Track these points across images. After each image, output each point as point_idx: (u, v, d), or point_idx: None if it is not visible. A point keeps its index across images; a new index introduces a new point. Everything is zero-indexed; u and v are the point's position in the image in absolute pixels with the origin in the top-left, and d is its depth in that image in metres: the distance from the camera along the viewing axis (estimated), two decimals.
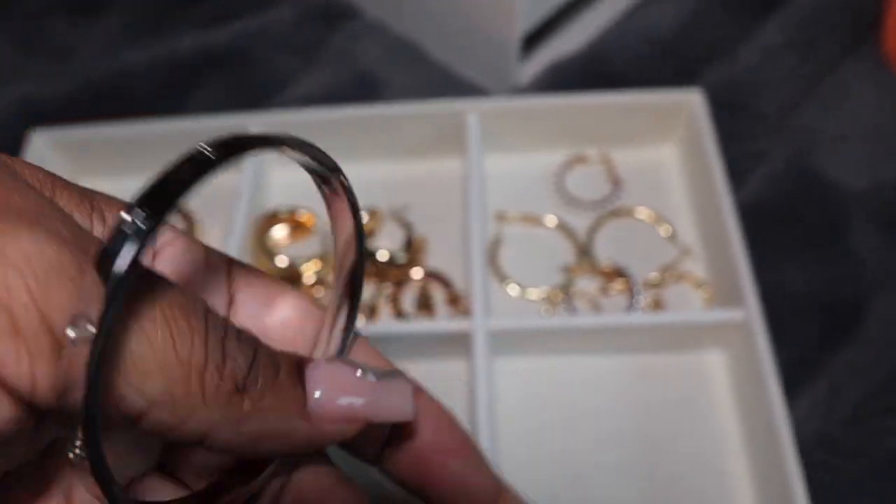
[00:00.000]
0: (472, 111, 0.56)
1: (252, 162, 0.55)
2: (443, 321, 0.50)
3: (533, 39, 0.64)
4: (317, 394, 0.20)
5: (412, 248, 0.55)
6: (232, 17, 0.71)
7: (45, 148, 0.58)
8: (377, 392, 0.21)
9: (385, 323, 0.51)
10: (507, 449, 0.47)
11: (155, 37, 0.70)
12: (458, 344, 0.49)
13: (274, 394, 0.19)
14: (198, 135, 0.58)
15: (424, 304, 0.53)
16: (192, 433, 0.18)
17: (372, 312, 0.53)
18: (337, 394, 0.20)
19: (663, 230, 0.56)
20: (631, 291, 0.53)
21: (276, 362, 0.20)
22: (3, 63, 0.71)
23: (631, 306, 0.52)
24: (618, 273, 0.53)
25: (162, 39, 0.69)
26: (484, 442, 0.43)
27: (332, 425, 0.20)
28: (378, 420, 0.21)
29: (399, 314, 0.53)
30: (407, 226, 0.56)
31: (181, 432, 0.18)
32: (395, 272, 0.54)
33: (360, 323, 0.52)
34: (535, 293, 0.53)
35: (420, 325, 0.48)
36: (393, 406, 0.21)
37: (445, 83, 0.66)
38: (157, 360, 0.17)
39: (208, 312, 0.18)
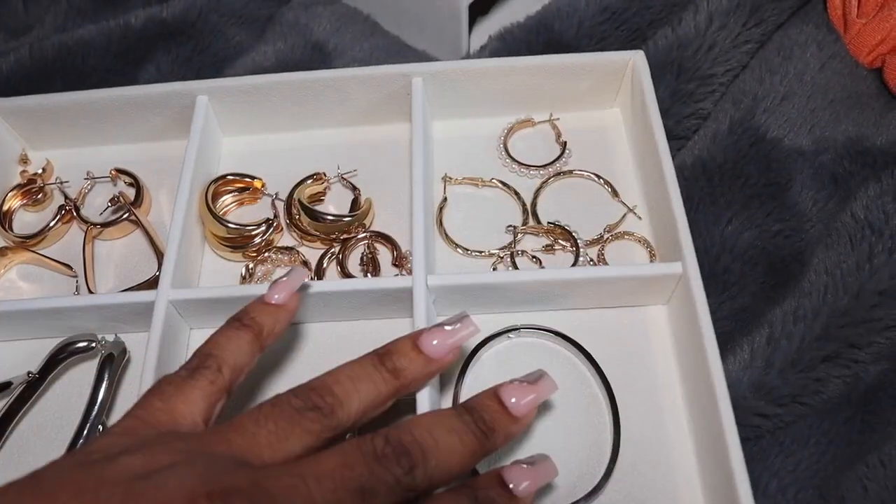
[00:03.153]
0: (417, 75, 0.56)
1: (198, 128, 0.56)
2: (387, 279, 0.50)
3: (481, 8, 0.65)
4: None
5: (358, 210, 0.55)
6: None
7: None
8: None
9: (331, 281, 0.51)
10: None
11: (107, 11, 0.70)
12: (401, 301, 0.49)
13: None
14: (147, 103, 0.59)
15: (370, 264, 0.53)
16: None
17: (319, 271, 0.53)
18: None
19: (607, 191, 0.56)
20: (575, 249, 0.53)
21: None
22: None
23: (575, 263, 0.53)
24: (562, 232, 0.54)
25: (114, 14, 0.70)
26: (426, 403, 0.44)
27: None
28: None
29: (345, 273, 0.53)
30: (354, 189, 0.57)
31: None
32: (341, 233, 0.54)
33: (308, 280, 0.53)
34: (480, 253, 0.54)
35: (364, 283, 0.49)
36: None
37: (397, 54, 0.67)
38: None
39: None
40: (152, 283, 0.53)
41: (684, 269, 0.48)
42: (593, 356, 0.49)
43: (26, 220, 0.59)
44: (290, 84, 0.57)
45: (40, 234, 0.56)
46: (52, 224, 0.57)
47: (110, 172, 0.59)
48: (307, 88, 0.57)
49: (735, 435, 0.42)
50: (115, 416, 0.50)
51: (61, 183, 0.60)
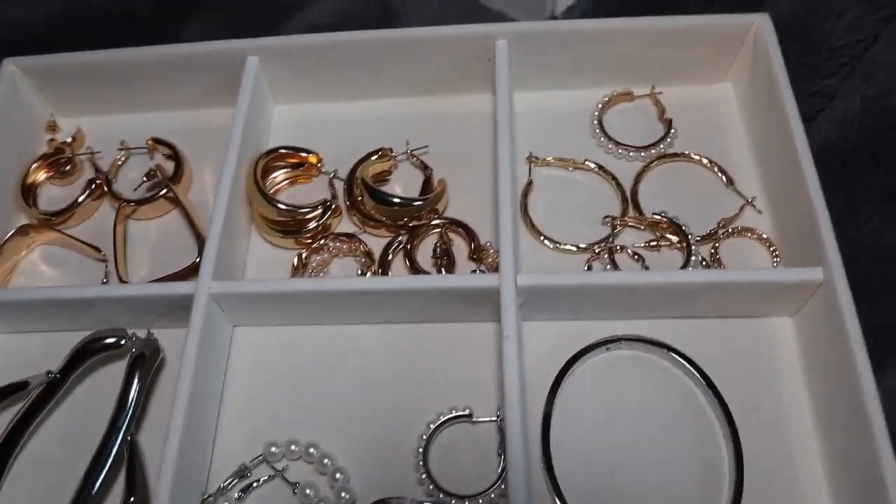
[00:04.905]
0: (501, 36, 0.48)
1: (246, 94, 0.48)
2: (466, 277, 0.43)
3: None
4: None
5: (431, 193, 0.47)
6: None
7: (18, 78, 0.51)
8: None
9: (399, 277, 0.44)
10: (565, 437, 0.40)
11: None
12: (484, 303, 0.42)
13: None
14: (190, 64, 0.52)
15: (443, 256, 0.45)
16: None
17: (383, 264, 0.46)
18: None
19: (720, 178, 0.48)
20: (686, 247, 0.45)
21: None
22: None
23: (685, 265, 0.44)
24: (669, 226, 0.46)
25: None
26: (516, 422, 0.36)
27: None
28: None
29: (414, 267, 0.45)
30: (425, 168, 0.49)
31: None
32: (410, 220, 0.47)
33: (370, 275, 0.45)
34: (572, 247, 0.46)
35: (439, 280, 0.41)
36: None
37: (470, 13, 0.59)
38: None
39: None
40: (191, 272, 0.46)
41: (827, 275, 0.39)
42: (708, 374, 0.42)
43: (52, 195, 0.52)
44: (352, 44, 0.49)
45: (67, 211, 0.50)
46: (80, 200, 0.50)
47: (147, 143, 0.52)
48: (372, 50, 0.49)
49: (893, 470, 0.34)
50: (147, 424, 0.43)
51: (92, 153, 0.53)
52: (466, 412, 0.41)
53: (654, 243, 0.46)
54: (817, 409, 0.41)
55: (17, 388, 0.44)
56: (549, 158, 0.49)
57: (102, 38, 0.58)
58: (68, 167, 0.52)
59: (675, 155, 0.49)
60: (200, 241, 0.48)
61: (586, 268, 0.45)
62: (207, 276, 0.42)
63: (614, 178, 0.48)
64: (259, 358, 0.45)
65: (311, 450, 0.41)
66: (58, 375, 0.43)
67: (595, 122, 0.50)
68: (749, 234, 0.46)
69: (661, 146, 0.49)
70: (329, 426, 0.42)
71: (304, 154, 0.49)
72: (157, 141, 0.52)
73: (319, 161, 0.50)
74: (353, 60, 0.50)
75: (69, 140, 0.53)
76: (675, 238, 0.46)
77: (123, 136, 0.53)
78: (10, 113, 0.51)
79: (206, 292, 0.41)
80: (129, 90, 0.53)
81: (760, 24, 0.47)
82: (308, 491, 0.40)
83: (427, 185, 0.49)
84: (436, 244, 0.46)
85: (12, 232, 0.49)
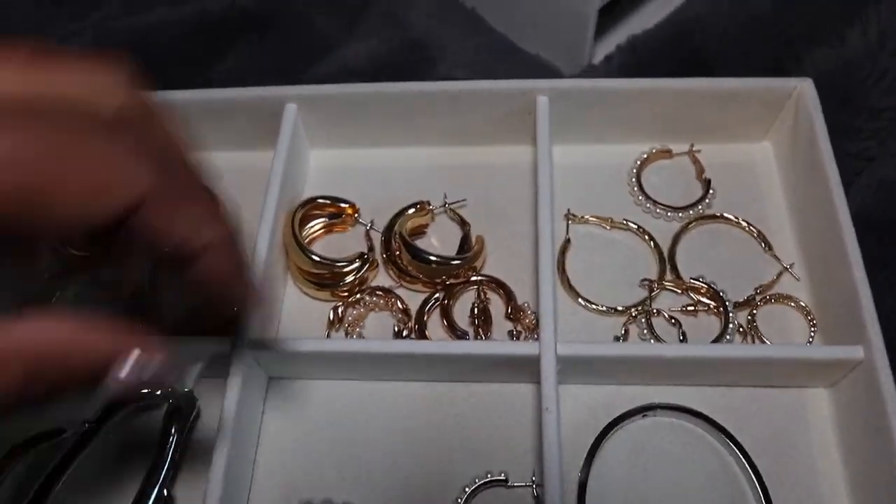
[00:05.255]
0: (542, 92, 0.48)
1: (284, 144, 0.48)
2: (505, 344, 0.43)
3: (607, 10, 0.56)
4: None
5: (469, 252, 0.47)
6: None
7: None
8: None
9: (440, 342, 0.44)
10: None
11: None
12: (522, 368, 0.42)
13: None
14: (226, 108, 0.52)
15: (481, 317, 0.45)
16: None
17: (420, 320, 0.46)
18: None
19: (758, 242, 0.48)
20: (722, 313, 0.45)
21: None
22: (23, 16, 0.64)
23: (722, 333, 0.44)
24: (707, 291, 0.46)
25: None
26: (553, 482, 0.36)
27: None
28: None
29: (452, 328, 0.45)
30: (463, 224, 0.49)
31: None
32: (447, 277, 0.47)
33: (406, 333, 0.45)
34: (609, 310, 0.46)
35: (478, 346, 0.41)
36: None
37: (505, 56, 0.59)
38: None
39: None
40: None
41: (868, 355, 0.39)
42: (742, 444, 0.42)
43: None
44: (393, 96, 0.49)
45: None
46: None
47: None
48: (412, 101, 0.49)
49: None
50: (182, 481, 0.43)
51: None
52: (502, 476, 0.42)
53: (692, 308, 0.46)
54: (852, 482, 0.41)
55: (52, 436, 0.44)
56: (588, 216, 0.49)
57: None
58: None
59: (713, 217, 0.49)
60: None
61: (623, 331, 0.45)
62: (248, 332, 0.42)
63: (652, 238, 0.48)
64: (294, 412, 0.45)
65: None
66: (93, 424, 0.43)
67: (633, 179, 0.50)
68: (787, 302, 0.46)
69: (700, 207, 0.49)
70: (364, 484, 0.42)
71: (341, 205, 0.49)
72: None
73: (356, 212, 0.49)
74: (392, 110, 0.50)
75: None
76: (712, 303, 0.46)
77: None
78: None
79: (247, 350, 0.41)
80: None
81: (803, 89, 0.47)
82: None
83: (465, 242, 0.48)
84: (473, 303, 0.46)
85: None
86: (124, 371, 0.26)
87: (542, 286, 0.42)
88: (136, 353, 0.26)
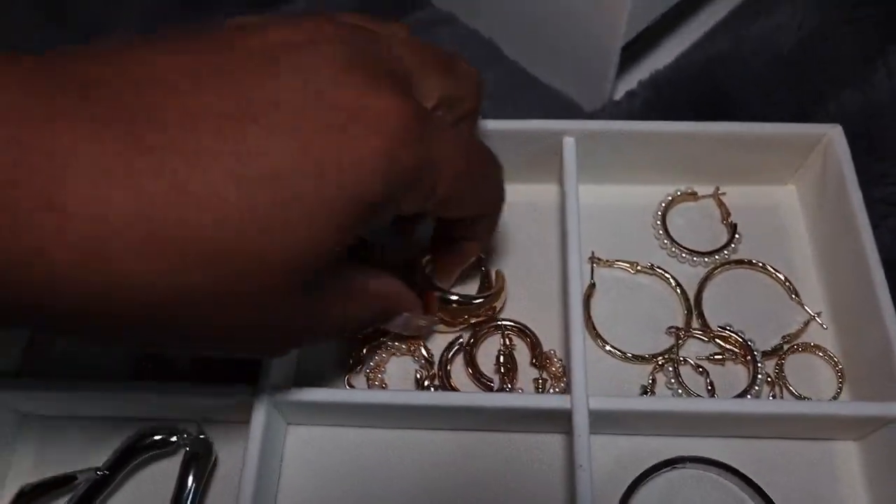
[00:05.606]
0: (569, 133, 0.47)
1: None
2: (534, 397, 0.42)
3: (627, 45, 0.55)
4: None
5: (490, 290, 0.46)
6: (279, 2, 0.62)
7: None
8: None
9: (464, 395, 0.43)
10: None
11: (194, 21, 0.62)
12: (552, 421, 0.41)
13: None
14: None
15: (507, 365, 0.44)
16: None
17: (442, 366, 0.45)
18: None
19: (784, 288, 0.47)
20: (749, 362, 0.45)
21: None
22: (33, 35, 0.62)
23: (751, 385, 0.44)
24: (735, 341, 0.45)
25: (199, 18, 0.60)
26: None
27: None
28: None
29: (477, 373, 0.44)
30: (482, 262, 0.48)
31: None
32: (469, 316, 0.46)
33: (428, 384, 0.44)
34: (635, 358, 0.45)
35: (507, 399, 0.40)
36: None
37: (523, 87, 0.58)
38: None
39: None
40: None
41: None
42: (770, 496, 0.41)
43: None
44: None
45: None
46: None
47: None
48: None
49: None
50: None
51: None
52: None
53: (719, 356, 0.45)
54: None
55: (63, 482, 0.42)
56: (613, 260, 0.48)
57: None
58: None
59: (740, 262, 0.48)
60: None
61: (650, 380, 0.45)
62: (269, 379, 0.41)
63: (679, 284, 0.47)
64: (313, 459, 0.44)
65: None
66: (106, 472, 0.42)
67: (658, 222, 0.49)
68: (814, 352, 0.45)
69: (725, 252, 0.48)
70: None
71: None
72: None
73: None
74: None
75: None
76: (739, 352, 0.45)
77: None
78: None
79: (267, 398, 0.40)
80: None
81: (833, 136, 0.47)
82: None
83: (485, 279, 0.47)
84: (499, 351, 0.45)
85: None
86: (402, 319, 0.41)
87: (573, 338, 0.41)
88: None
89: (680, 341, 0.46)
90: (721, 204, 0.50)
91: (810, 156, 0.48)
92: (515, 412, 0.40)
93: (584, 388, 0.39)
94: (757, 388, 0.44)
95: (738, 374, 0.45)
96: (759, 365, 0.44)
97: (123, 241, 0.23)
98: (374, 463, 0.43)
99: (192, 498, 0.41)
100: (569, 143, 0.47)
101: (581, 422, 0.39)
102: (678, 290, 0.47)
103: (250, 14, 0.32)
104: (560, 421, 0.41)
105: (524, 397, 0.41)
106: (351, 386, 0.45)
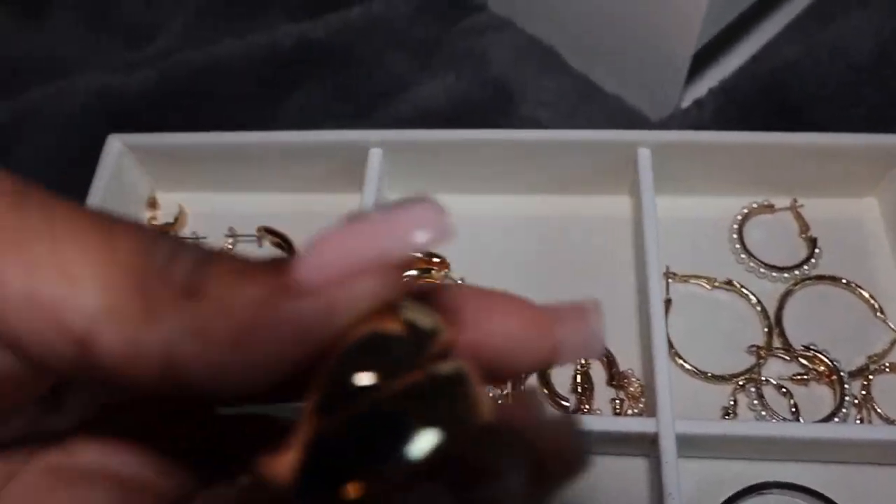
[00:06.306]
0: (644, 145, 0.46)
1: (371, 188, 0.46)
2: (619, 420, 0.41)
3: (696, 52, 0.54)
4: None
5: None
6: (336, 6, 0.60)
7: (122, 154, 0.49)
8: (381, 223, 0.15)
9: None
10: None
11: (245, 21, 0.60)
12: (637, 444, 0.40)
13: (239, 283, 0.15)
14: (307, 152, 0.49)
15: (584, 385, 0.43)
16: (151, 363, 0.15)
17: (515, 389, 0.43)
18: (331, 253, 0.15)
19: (868, 306, 0.46)
20: (835, 382, 0.43)
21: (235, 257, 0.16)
22: (75, 44, 0.61)
23: (839, 408, 0.42)
24: (819, 361, 0.44)
25: (254, 28, 0.59)
26: None
27: (339, 289, 0.15)
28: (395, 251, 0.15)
29: (552, 394, 0.43)
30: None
31: (139, 367, 0.15)
32: None
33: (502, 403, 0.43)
34: (716, 378, 0.44)
35: (593, 422, 0.39)
36: (407, 230, 0.15)
37: (589, 98, 0.56)
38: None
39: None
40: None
41: None
42: None
43: None
44: (486, 143, 0.47)
45: None
46: None
47: (256, 231, 0.49)
48: (506, 148, 0.47)
49: None
50: None
51: (197, 238, 0.50)
52: None
53: (803, 377, 0.44)
54: None
55: None
56: (689, 275, 0.47)
57: (202, 106, 0.56)
58: None
59: (821, 278, 0.46)
60: None
61: (731, 401, 0.43)
62: None
63: (759, 301, 0.46)
64: None
65: None
66: None
67: (734, 235, 0.48)
68: None
69: (806, 267, 0.46)
70: None
71: (434, 259, 0.47)
72: (266, 230, 0.49)
73: (446, 267, 0.47)
74: (484, 156, 0.47)
75: (171, 221, 0.50)
76: (825, 372, 0.43)
77: (228, 217, 0.50)
78: (112, 189, 0.48)
79: None
80: (236, 171, 0.50)
81: None
82: None
83: None
84: (575, 370, 0.44)
85: None
86: None
87: (657, 359, 0.39)
88: None
89: (761, 360, 0.44)
90: (799, 217, 0.48)
91: (894, 166, 0.47)
92: (598, 435, 0.39)
93: (670, 410, 0.38)
94: (845, 410, 0.42)
95: (822, 395, 0.44)
96: (847, 387, 0.42)
97: None
98: None
99: None
100: (644, 154, 0.46)
101: (668, 447, 0.37)
102: (758, 308, 0.45)
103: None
104: (641, 444, 0.40)
105: (608, 420, 0.40)
106: None
